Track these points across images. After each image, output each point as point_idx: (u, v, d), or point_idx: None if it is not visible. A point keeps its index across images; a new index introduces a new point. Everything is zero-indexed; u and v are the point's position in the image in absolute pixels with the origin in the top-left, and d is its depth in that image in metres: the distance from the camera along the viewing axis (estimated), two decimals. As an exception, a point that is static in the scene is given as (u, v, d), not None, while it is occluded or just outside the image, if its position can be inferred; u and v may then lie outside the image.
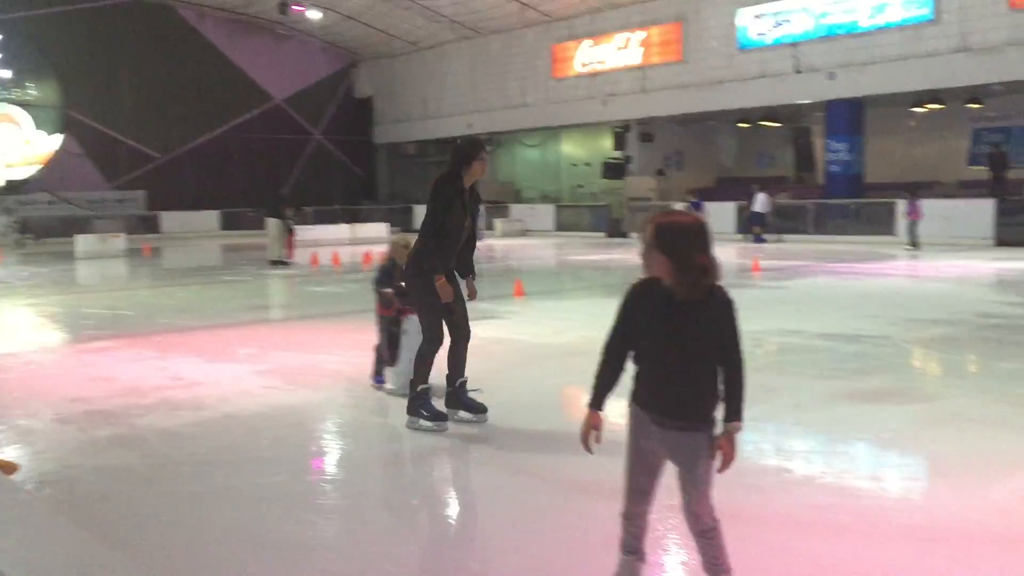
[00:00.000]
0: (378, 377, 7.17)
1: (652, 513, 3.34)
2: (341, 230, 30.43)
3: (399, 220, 37.34)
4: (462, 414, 6.01)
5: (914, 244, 21.24)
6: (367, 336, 10.26)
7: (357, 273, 18.75)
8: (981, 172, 26.24)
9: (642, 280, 3.10)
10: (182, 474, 5.15)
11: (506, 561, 3.90)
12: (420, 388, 5.90)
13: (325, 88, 40.68)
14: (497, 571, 3.80)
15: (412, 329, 6.64)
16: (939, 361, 8.36)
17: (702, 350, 3.03)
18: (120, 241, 25.68)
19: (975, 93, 24.79)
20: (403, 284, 6.73)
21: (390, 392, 6.85)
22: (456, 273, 5.97)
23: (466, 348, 5.99)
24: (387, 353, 6.96)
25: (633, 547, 3.37)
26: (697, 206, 19.01)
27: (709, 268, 2.94)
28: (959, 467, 4.97)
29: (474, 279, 6.12)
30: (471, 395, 6.08)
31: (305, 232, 26.74)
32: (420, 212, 37.43)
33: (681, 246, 2.93)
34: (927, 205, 23.29)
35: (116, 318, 12.12)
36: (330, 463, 5.53)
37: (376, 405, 6.78)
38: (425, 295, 5.75)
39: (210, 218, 35.69)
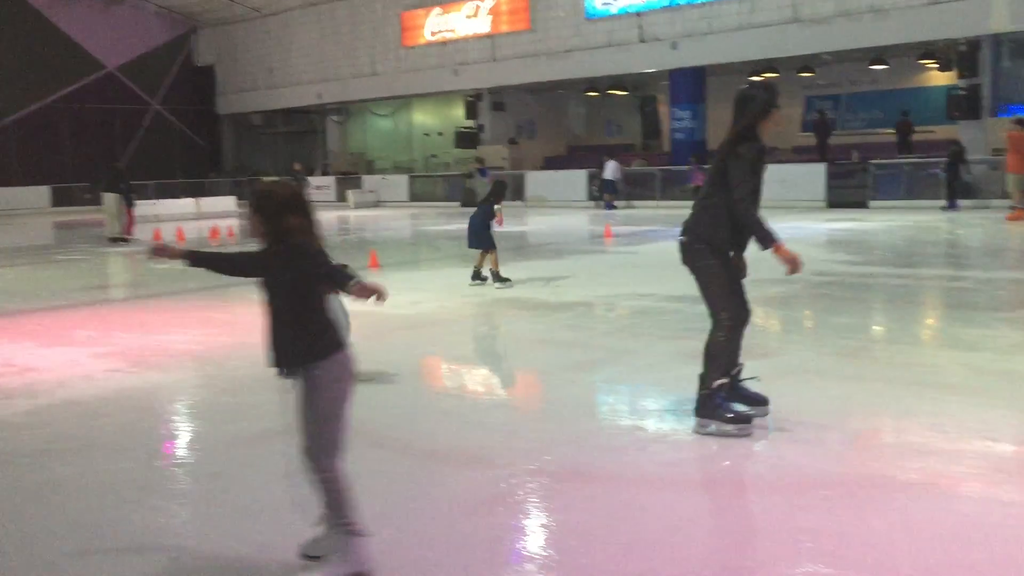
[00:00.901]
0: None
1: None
2: (185, 204, 29.24)
3: (248, 193, 36.13)
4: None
5: None
6: (216, 314, 9.93)
7: (204, 248, 18.06)
8: (812, 137, 27.75)
9: None
10: (17, 465, 4.83)
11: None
12: (716, 384, 5.02)
13: (162, 56, 38.75)
14: (358, 546, 3.76)
15: (333, 310, 6.27)
16: (779, 318, 8.80)
17: (288, 297, 3.40)
18: (-62, 221, 23.82)
19: (807, 62, 26.12)
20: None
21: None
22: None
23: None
24: None
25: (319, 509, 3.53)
26: (483, 173, 19.89)
27: (295, 228, 3.32)
28: (798, 417, 5.25)
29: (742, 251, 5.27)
30: (747, 384, 5.26)
31: (147, 207, 25.53)
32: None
33: (273, 211, 3.33)
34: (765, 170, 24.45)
35: (-64, 304, 11.23)
36: (181, 446, 5.33)
37: (229, 385, 6.56)
38: (717, 274, 5.04)
39: (39, 194, 33.53)
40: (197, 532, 3.96)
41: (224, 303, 10.85)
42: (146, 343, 8.10)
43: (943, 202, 20.48)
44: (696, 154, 24.41)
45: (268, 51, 37.51)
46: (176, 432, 5.67)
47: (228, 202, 30.74)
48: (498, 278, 10.57)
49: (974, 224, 17.37)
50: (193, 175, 37.31)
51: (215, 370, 7.01)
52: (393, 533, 3.86)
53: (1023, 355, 6.54)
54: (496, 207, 10.72)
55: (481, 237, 10.61)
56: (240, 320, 9.38)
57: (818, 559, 3.42)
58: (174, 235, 20.10)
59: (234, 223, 24.91)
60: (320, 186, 35.02)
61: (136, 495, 4.33)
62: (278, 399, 6.14)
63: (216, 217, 26.65)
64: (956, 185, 20.25)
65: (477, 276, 10.72)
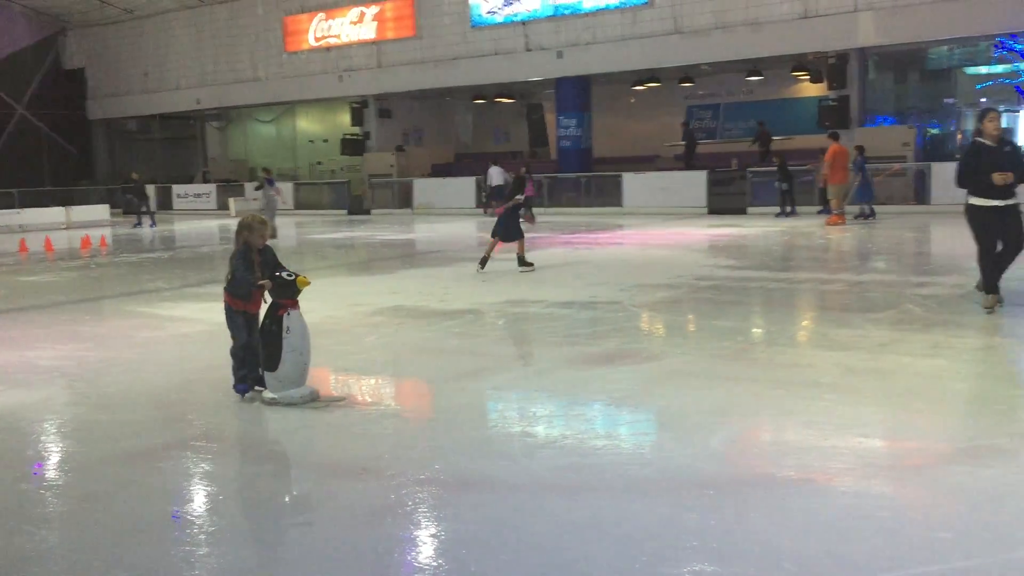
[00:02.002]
0: (240, 385, 6.06)
1: None
2: (54, 213, 27.86)
3: (123, 201, 34.80)
4: None
5: (530, 219, 23.04)
6: (87, 328, 9.50)
7: (74, 260, 17.29)
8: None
9: None
10: None
11: (249, 553, 3.74)
12: None
13: (28, 58, 36.88)
14: (241, 564, 3.64)
15: (296, 328, 5.78)
16: (663, 322, 8.99)
17: None
18: None
19: (687, 73, 26.87)
20: (281, 273, 5.83)
21: (271, 401, 5.88)
22: None
23: None
24: (264, 356, 5.84)
25: None
26: (271, 183, 20.33)
27: None
28: (682, 419, 5.37)
29: None
30: None
31: (10, 216, 24.28)
32: (147, 192, 34.59)
33: None
34: (649, 178, 25.08)
35: None
36: (50, 468, 5.04)
37: (101, 401, 6.27)
38: None
39: None
40: (69, 558, 3.76)
41: (95, 317, 10.41)
42: (10, 359, 7.67)
43: (818, 207, 21.47)
44: (527, 164, 24.94)
45: (143, 54, 36.21)
46: (44, 452, 5.37)
47: (101, 211, 29.51)
48: (523, 263, 12.36)
49: (815, 229, 18.18)
50: (62, 183, 35.61)
51: (86, 387, 6.70)
52: (280, 549, 3.76)
53: (891, 354, 6.86)
54: (520, 201, 12.54)
55: (511, 230, 12.21)
56: (113, 334, 9.00)
57: (703, 557, 3.49)
58: (42, 245, 19.16)
59: (107, 233, 23.94)
60: (200, 193, 34.02)
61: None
62: (157, 416, 5.92)
63: (88, 227, 25.56)
64: (788, 194, 21.51)
65: (522, 263, 12.40)
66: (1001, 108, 27.28)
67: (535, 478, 4.48)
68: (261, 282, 5.88)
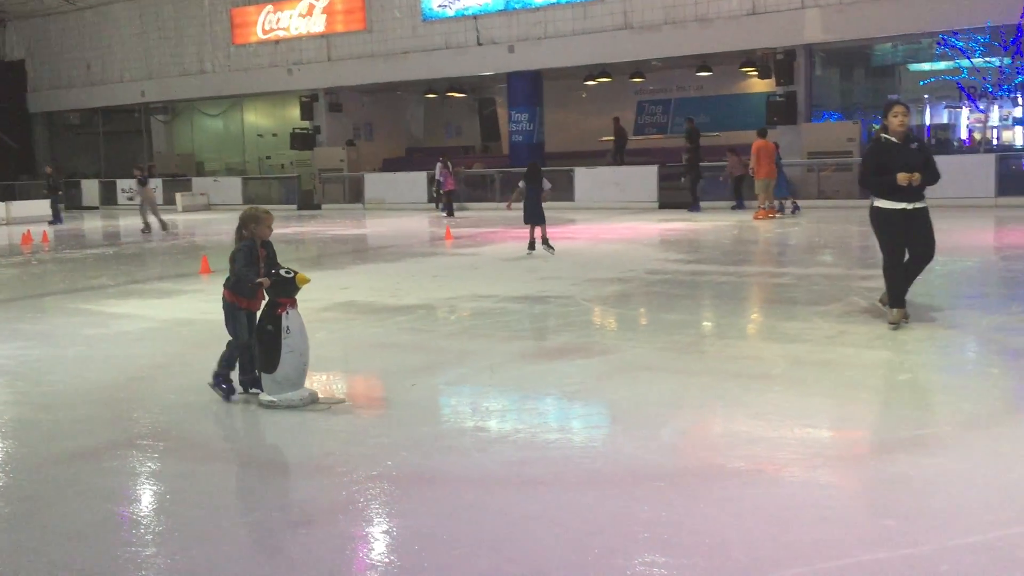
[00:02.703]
0: (223, 383, 5.88)
1: None
2: (-6, 209, 27.18)
3: (66, 197, 34.06)
4: None
5: (450, 213, 23.12)
6: (30, 326, 9.28)
7: (15, 256, 16.88)
8: (644, 141, 28.84)
9: None
10: None
11: (197, 553, 3.68)
12: None
13: (-34, 49, 35.92)
14: (189, 564, 3.58)
15: (295, 327, 5.57)
16: (615, 316, 9.04)
17: None
18: None
19: (638, 68, 27.04)
20: (280, 270, 5.66)
21: (269, 404, 5.64)
22: None
23: None
24: (261, 357, 5.62)
25: None
26: (144, 182, 20.79)
27: None
28: (633, 412, 5.41)
29: None
30: None
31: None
32: (90, 187, 34.04)
33: None
34: (601, 173, 25.19)
35: None
36: (-10, 470, 4.92)
37: (44, 401, 6.12)
38: None
39: None
40: (12, 561, 3.66)
41: (38, 314, 10.17)
42: (-51, 359, 7.46)
43: (732, 203, 22.00)
44: (443, 156, 24.99)
45: (85, 46, 35.43)
46: (-15, 454, 5.23)
47: (43, 206, 28.81)
48: (547, 245, 13.36)
49: (759, 223, 18.47)
50: (2, 178, 34.74)
51: (28, 385, 6.54)
52: (228, 549, 3.71)
53: (837, 346, 6.98)
54: (545, 185, 13.55)
55: (535, 214, 13.27)
56: (56, 332, 8.80)
57: (655, 549, 3.52)
58: (-18, 241, 18.68)
59: (49, 228, 23.40)
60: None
61: (-63, 525, 3.97)
62: (103, 414, 5.80)
63: (29, 222, 24.95)
64: (697, 188, 22.11)
65: (533, 246, 13.46)
66: (943, 104, 28.03)
67: (488, 473, 4.48)
68: (260, 279, 5.72)
